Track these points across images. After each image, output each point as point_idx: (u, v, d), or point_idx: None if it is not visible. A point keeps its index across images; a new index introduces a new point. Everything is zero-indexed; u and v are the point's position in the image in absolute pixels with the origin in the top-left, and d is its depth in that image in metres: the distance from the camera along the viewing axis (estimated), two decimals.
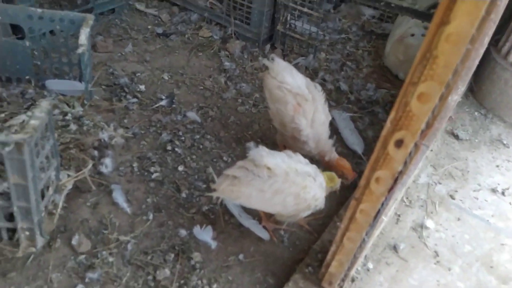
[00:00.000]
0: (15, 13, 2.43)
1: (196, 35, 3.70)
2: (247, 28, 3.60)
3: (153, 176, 2.42)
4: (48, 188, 1.89)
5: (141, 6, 3.92)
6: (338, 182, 2.17)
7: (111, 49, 3.36)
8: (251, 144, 2.66)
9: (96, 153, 2.27)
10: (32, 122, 1.50)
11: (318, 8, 3.18)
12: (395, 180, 1.38)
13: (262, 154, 1.96)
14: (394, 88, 3.29)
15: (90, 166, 2.13)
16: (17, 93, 2.62)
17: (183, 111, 2.90)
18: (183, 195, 2.35)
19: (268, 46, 3.56)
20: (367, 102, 3.18)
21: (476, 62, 1.63)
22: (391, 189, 1.42)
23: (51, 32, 2.60)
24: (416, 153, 1.28)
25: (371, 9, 4.01)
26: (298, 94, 2.31)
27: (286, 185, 1.94)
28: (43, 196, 1.83)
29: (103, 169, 2.24)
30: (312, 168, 2.07)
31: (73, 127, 2.34)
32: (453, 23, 0.97)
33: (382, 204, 1.49)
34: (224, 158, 2.62)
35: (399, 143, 1.28)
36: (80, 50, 2.28)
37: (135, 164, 2.47)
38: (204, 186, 2.41)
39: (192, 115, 2.87)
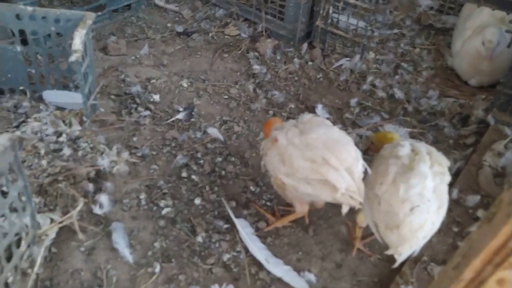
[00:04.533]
0: (0, 12, 2.02)
1: (222, 33, 3.20)
2: (280, 24, 3.06)
3: (164, 211, 1.96)
4: (20, 241, 1.46)
5: (160, 2, 3.46)
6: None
7: (124, 52, 2.92)
8: None
9: (90, 187, 1.83)
10: None
11: None
12: None
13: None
14: (463, 96, 2.66)
15: (79, 207, 1.69)
16: (10, 106, 2.22)
17: (203, 127, 2.42)
18: (199, 238, 1.86)
19: (305, 45, 3.01)
20: (429, 113, 2.58)
21: None
22: None
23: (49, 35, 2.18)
24: None
25: None
26: None
27: None
28: (10, 256, 1.39)
29: (97, 210, 1.79)
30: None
31: (66, 151, 1.91)
32: None
33: None
34: (251, 188, 2.12)
35: None
36: (73, 58, 1.84)
37: (142, 196, 2.01)
38: (226, 226, 1.92)
39: (214, 131, 2.38)
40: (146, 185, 2.08)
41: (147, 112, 2.46)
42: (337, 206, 2.06)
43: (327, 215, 2.02)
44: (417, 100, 2.64)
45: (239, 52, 3.02)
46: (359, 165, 1.60)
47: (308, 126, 1.67)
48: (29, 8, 2.02)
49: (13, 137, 1.18)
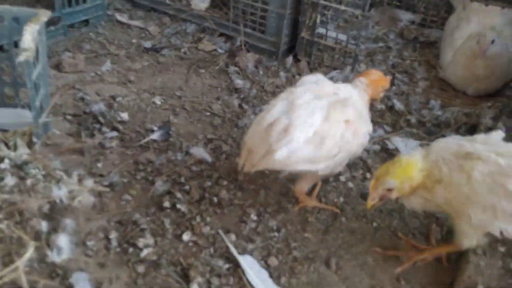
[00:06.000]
0: None
1: (195, 48, 2.88)
2: (261, 37, 2.79)
3: (143, 253, 1.50)
4: None
5: (122, 18, 3.11)
6: None
7: (82, 68, 2.50)
8: None
9: (44, 225, 1.34)
10: None
11: (360, 2, 2.40)
12: None
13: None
14: (466, 105, 2.47)
15: (28, 253, 1.20)
16: None
17: (185, 147, 2.02)
18: (195, 285, 1.41)
19: (290, 59, 2.74)
20: (434, 124, 2.34)
21: None
22: None
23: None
24: None
25: (410, 13, 3.27)
26: None
27: None
28: None
29: (53, 257, 1.30)
30: None
31: (9, 181, 1.42)
32: None
33: None
34: (252, 216, 1.71)
35: None
36: (21, 58, 1.41)
37: (112, 235, 1.54)
38: (227, 267, 1.49)
39: (199, 151, 1.99)
40: (117, 220, 1.62)
41: (114, 133, 2.03)
42: (358, 232, 1.72)
43: (347, 244, 1.66)
44: (418, 111, 2.42)
45: (217, 67, 2.70)
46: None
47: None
48: None
49: None
